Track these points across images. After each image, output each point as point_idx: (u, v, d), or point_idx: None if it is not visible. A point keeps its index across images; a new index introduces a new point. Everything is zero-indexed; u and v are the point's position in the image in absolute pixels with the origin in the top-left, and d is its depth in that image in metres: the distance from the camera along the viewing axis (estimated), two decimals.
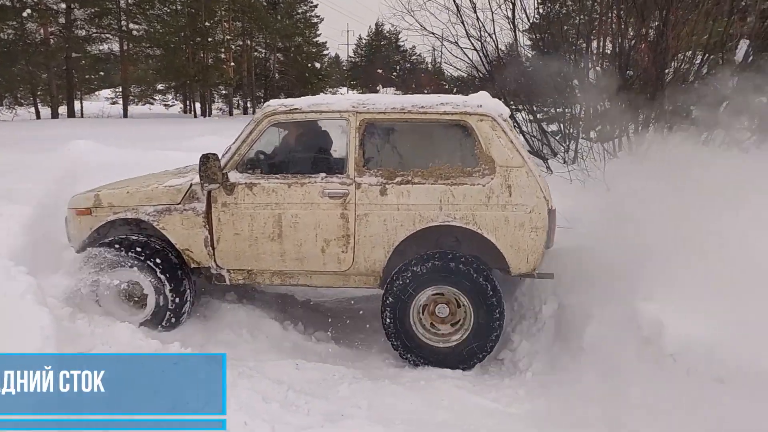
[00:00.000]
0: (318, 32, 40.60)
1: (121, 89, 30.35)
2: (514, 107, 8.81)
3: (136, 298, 3.89)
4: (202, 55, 31.62)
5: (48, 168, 6.78)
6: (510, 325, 4.17)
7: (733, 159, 5.17)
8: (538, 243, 3.73)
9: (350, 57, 55.61)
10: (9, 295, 2.92)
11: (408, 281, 3.73)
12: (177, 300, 3.84)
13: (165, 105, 33.27)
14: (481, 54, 8.81)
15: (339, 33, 66.00)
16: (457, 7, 8.67)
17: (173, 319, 3.86)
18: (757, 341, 2.63)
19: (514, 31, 8.65)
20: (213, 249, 3.87)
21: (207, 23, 31.19)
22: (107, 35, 28.42)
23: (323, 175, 3.79)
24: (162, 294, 3.80)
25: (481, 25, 8.58)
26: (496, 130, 3.69)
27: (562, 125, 8.61)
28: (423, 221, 3.72)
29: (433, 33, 9.11)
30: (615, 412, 2.93)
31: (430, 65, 37.74)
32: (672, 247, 3.43)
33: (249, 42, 35.88)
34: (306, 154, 4.02)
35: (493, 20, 8.59)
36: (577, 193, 6.42)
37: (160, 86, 32.43)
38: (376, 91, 42.84)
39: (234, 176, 3.80)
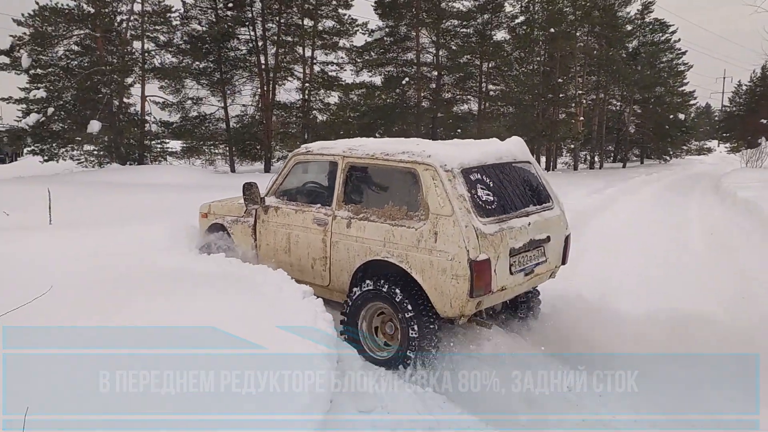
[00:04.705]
0: (685, 80, 37.14)
1: None
2: None
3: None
4: (552, 110, 33.14)
5: None
6: None
7: None
8: (460, 290, 3.78)
9: (725, 106, 47.74)
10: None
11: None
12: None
13: None
14: None
15: (712, 80, 57.56)
16: None
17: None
18: None
19: None
20: (257, 253, 5.20)
21: (560, 80, 32.61)
22: (468, 96, 32.96)
23: (318, 206, 4.67)
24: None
25: None
26: (435, 179, 3.94)
27: None
28: (371, 254, 4.22)
29: None
30: None
31: None
32: None
33: (603, 95, 35.58)
34: (312, 187, 4.97)
35: None
36: None
37: None
38: (758, 145, 35.54)
39: (270, 200, 5.04)
